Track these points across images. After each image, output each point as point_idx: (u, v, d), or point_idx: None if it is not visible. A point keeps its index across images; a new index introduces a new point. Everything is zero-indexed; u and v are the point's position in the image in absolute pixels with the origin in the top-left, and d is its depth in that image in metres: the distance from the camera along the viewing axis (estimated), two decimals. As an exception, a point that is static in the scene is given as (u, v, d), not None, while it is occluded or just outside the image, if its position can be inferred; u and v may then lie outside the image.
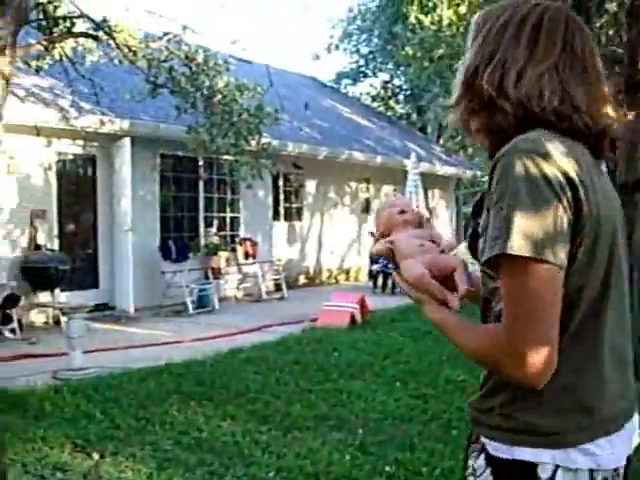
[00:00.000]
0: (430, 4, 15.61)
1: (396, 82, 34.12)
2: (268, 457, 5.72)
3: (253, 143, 10.49)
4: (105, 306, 13.54)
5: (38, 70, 8.80)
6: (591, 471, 1.65)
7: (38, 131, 10.72)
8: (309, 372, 8.44)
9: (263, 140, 11.11)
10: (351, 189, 21.03)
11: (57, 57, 8.53)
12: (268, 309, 14.59)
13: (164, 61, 8.49)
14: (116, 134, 13.46)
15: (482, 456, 1.75)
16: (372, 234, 2.18)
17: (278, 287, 16.85)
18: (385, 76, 34.39)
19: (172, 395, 7.46)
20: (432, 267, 1.90)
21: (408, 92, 33.55)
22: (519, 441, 1.66)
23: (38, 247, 12.60)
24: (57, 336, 10.48)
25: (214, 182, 16.60)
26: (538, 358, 1.57)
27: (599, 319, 1.70)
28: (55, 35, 7.70)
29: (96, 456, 5.73)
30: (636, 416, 1.81)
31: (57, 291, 12.70)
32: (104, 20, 8.08)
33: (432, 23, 15.66)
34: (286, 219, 18.98)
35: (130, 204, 13.54)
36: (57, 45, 8.06)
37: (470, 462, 1.81)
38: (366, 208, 21.23)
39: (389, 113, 32.52)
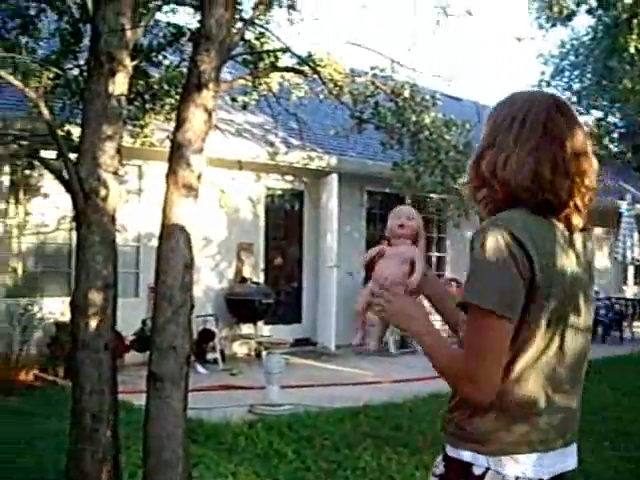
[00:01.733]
0: (651, 32, 14.72)
1: (610, 119, 32.78)
2: (462, 513, 5.39)
3: (461, 181, 10.23)
4: (306, 341, 13.59)
5: (245, 106, 8.91)
6: (517, 478, 2.09)
7: (241, 166, 10.95)
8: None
9: (471, 178, 10.79)
10: (562, 230, 20.19)
11: (263, 92, 8.61)
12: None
13: (370, 96, 8.38)
14: (323, 170, 13.57)
15: (441, 454, 2.26)
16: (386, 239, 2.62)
17: (483, 329, 16.35)
18: (599, 113, 33.14)
19: (367, 439, 7.25)
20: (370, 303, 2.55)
21: (623, 130, 32.16)
22: (465, 446, 2.15)
23: (244, 280, 12.84)
24: (257, 369, 10.56)
25: (420, 220, 16.37)
26: (484, 386, 2.06)
27: (544, 359, 2.12)
28: (260, 70, 7.75)
29: (284, 498, 5.61)
30: (574, 445, 2.27)
31: (260, 324, 12.87)
32: (309, 55, 8.07)
33: (653, 53, 14.79)
34: (493, 260, 18.45)
35: (336, 240, 13.58)
36: (263, 81, 8.12)
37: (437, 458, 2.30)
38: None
39: (602, 152, 31.20)
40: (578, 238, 2.22)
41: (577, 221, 2.19)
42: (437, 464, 2.26)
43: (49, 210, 11.08)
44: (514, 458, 2.10)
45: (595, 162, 2.22)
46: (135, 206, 11.68)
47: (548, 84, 32.24)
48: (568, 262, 2.15)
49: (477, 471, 2.11)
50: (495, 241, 2.02)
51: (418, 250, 2.50)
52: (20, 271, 10.83)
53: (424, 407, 8.72)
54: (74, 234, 10.86)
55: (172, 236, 4.76)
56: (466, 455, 2.14)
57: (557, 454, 2.18)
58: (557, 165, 2.13)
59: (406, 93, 8.41)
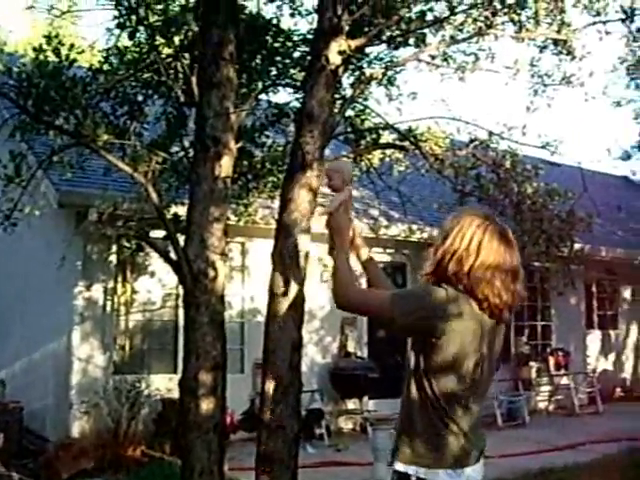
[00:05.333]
0: None
1: None
2: None
3: (565, 250, 10.05)
4: (412, 415, 13.37)
5: (348, 182, 9.00)
6: None
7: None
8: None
9: (575, 246, 10.62)
10: (670, 296, 19.60)
11: (365, 168, 8.68)
12: (581, 424, 13.72)
13: (471, 168, 8.36)
14: (425, 242, 13.50)
15: (393, 468, 2.98)
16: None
17: (592, 400, 15.88)
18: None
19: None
20: None
21: None
22: (405, 462, 2.91)
23: (348, 354, 12.78)
24: (363, 444, 10.43)
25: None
26: (345, 306, 3.10)
27: (464, 402, 2.91)
28: (361, 147, 7.82)
29: None
30: (482, 461, 2.98)
31: (365, 399, 12.74)
32: (410, 130, 8.11)
33: None
34: (600, 327, 18.01)
35: (441, 313, 13.41)
36: (364, 157, 8.18)
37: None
38: (689, 317, 19.62)
39: None
40: (499, 328, 3.07)
41: (499, 315, 2.98)
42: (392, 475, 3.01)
43: (155, 288, 11.29)
44: (436, 472, 2.86)
45: (522, 273, 3.03)
46: (239, 282, 11.82)
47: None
48: (477, 339, 2.92)
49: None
50: (424, 287, 3.01)
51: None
52: (127, 348, 11.01)
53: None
54: (180, 311, 11.09)
55: (280, 316, 4.79)
56: (410, 469, 2.89)
57: (472, 470, 2.91)
58: (498, 280, 2.92)
59: (507, 164, 8.34)
